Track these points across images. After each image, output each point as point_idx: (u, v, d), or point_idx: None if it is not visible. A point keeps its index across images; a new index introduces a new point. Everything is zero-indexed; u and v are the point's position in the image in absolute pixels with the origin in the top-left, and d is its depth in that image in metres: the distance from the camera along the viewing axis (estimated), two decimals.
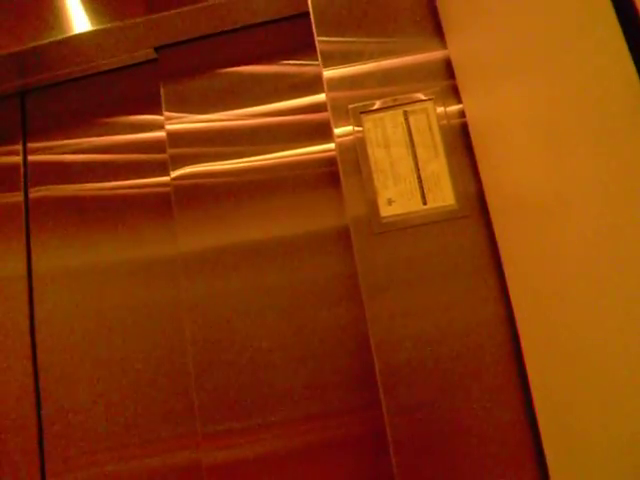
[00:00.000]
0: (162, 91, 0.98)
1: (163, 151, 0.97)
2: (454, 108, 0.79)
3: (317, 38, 0.83)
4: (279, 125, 0.94)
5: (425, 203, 0.76)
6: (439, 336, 0.71)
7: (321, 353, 0.84)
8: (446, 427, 0.69)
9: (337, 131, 0.79)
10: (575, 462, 0.54)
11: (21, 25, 0.95)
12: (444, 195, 0.76)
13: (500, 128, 0.62)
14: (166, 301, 0.92)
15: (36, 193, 1.00)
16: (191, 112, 0.96)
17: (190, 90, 0.97)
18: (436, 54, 0.81)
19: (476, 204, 0.75)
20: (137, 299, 0.93)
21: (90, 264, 0.96)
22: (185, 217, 0.92)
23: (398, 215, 0.76)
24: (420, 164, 0.77)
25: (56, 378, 0.92)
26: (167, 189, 0.96)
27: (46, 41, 0.93)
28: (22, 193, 1.00)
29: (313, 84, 0.94)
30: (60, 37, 0.93)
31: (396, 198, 0.76)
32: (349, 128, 0.79)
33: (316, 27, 0.84)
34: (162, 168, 0.97)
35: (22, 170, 1.02)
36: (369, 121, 0.79)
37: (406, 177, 0.77)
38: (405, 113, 0.79)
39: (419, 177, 0.77)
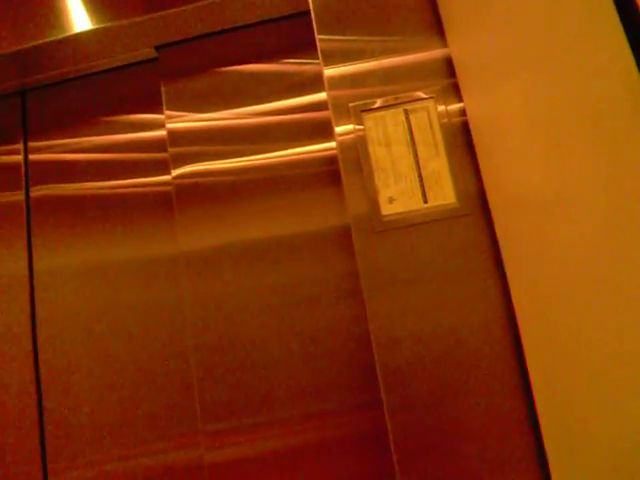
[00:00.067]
0: (163, 90, 0.98)
1: (164, 150, 0.97)
2: (455, 106, 0.79)
3: (318, 36, 0.83)
4: (280, 124, 0.94)
5: (426, 201, 0.76)
6: (440, 335, 0.71)
7: (322, 352, 0.84)
8: (447, 426, 0.69)
9: (338, 129, 0.79)
10: (577, 462, 0.54)
11: (22, 24, 0.95)
12: (445, 193, 0.76)
13: (501, 127, 0.62)
14: (167, 300, 0.92)
15: (37, 192, 1.01)
16: (192, 111, 0.96)
17: (191, 89, 0.97)
18: (437, 52, 0.80)
19: (477, 202, 0.75)
20: (138, 298, 0.93)
21: (91, 263, 0.96)
22: (186, 216, 0.92)
23: (399, 213, 0.76)
24: (421, 162, 0.77)
25: (58, 377, 0.92)
26: (168, 188, 0.96)
27: (47, 40, 0.93)
28: (23, 192, 1.01)
29: (314, 83, 0.94)
30: (61, 36, 0.93)
31: (397, 196, 0.76)
32: (350, 126, 0.79)
33: (317, 25, 0.83)
34: (163, 167, 0.97)
35: (23, 169, 1.02)
36: (370, 119, 0.79)
37: (407, 175, 0.77)
38: (406, 111, 0.79)
39: (420, 175, 0.77)
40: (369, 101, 0.80)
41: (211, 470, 0.83)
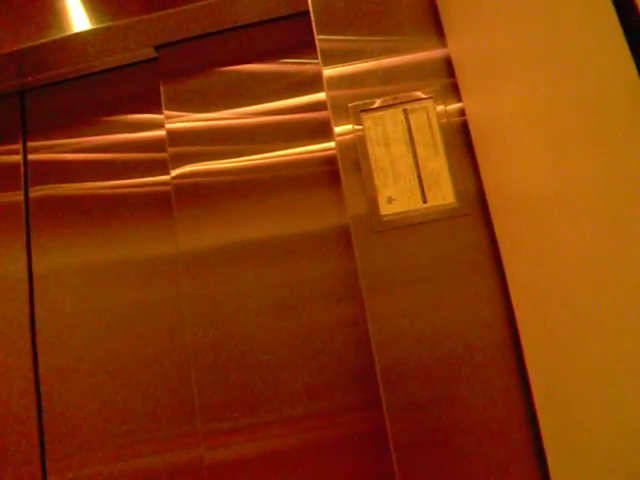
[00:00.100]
0: (162, 90, 0.98)
1: (163, 150, 0.97)
2: (454, 106, 0.79)
3: (317, 36, 0.83)
4: (279, 124, 0.94)
5: (425, 201, 0.76)
6: (439, 334, 0.71)
7: (321, 352, 0.84)
8: (447, 426, 0.69)
9: (337, 129, 0.79)
10: (576, 462, 0.54)
11: (21, 24, 0.95)
12: (444, 193, 0.76)
13: (500, 126, 0.62)
14: (166, 300, 0.92)
15: (36, 192, 1.01)
16: (191, 111, 0.96)
17: (190, 89, 0.97)
18: (436, 52, 0.80)
19: (476, 203, 0.75)
20: (137, 298, 0.93)
21: (90, 263, 0.96)
22: (185, 216, 0.92)
23: (398, 213, 0.76)
24: (420, 162, 0.77)
25: (57, 377, 0.92)
26: (167, 188, 0.96)
27: (46, 40, 0.93)
28: (22, 192, 1.01)
29: (313, 83, 0.94)
30: (60, 36, 0.93)
31: (396, 196, 0.76)
32: (349, 127, 0.79)
33: (316, 25, 0.83)
34: (162, 167, 0.97)
35: (22, 169, 1.02)
36: (369, 119, 0.79)
37: (406, 175, 0.77)
38: (405, 111, 0.79)
39: (419, 175, 0.77)
40: (368, 101, 0.80)
41: (210, 470, 0.83)
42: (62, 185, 1.00)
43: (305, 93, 0.94)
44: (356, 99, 0.80)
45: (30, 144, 1.03)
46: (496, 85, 0.61)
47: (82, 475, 0.88)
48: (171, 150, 0.94)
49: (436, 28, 0.81)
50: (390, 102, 0.79)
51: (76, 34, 0.92)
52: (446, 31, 0.80)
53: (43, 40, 0.93)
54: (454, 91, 0.79)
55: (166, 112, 0.96)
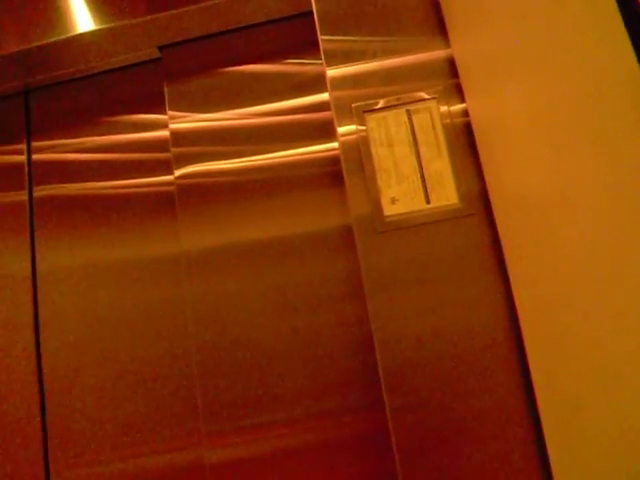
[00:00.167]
0: (166, 90, 0.98)
1: (167, 150, 0.97)
2: (457, 107, 0.79)
3: (320, 37, 0.83)
4: (282, 124, 0.94)
5: (428, 202, 0.76)
6: (442, 335, 0.71)
7: (324, 352, 0.84)
8: (449, 426, 0.69)
9: (340, 130, 0.79)
10: (579, 463, 0.54)
11: (25, 25, 0.95)
12: (447, 194, 0.76)
13: (503, 127, 0.62)
14: (169, 300, 0.92)
15: (40, 192, 1.01)
16: (195, 111, 0.96)
17: (194, 89, 0.97)
18: (439, 53, 0.80)
19: (479, 203, 0.75)
20: (140, 298, 0.93)
21: (94, 263, 0.96)
22: (188, 216, 0.92)
23: (401, 214, 0.76)
24: (423, 163, 0.77)
25: (60, 377, 0.92)
26: (171, 188, 0.96)
27: (50, 40, 0.93)
28: (26, 192, 1.01)
29: (316, 83, 0.94)
30: (64, 36, 0.93)
31: (399, 197, 0.76)
32: (352, 127, 0.79)
33: (319, 26, 0.84)
34: (166, 167, 0.97)
35: (26, 169, 1.02)
36: (372, 120, 0.79)
37: (409, 176, 0.77)
38: (408, 112, 0.79)
39: (422, 176, 0.77)
40: (371, 102, 0.80)
41: (212, 470, 0.83)
42: (66, 185, 1.00)
43: (308, 93, 0.94)
44: (359, 99, 0.80)
45: (34, 144, 1.04)
46: (499, 86, 0.61)
47: (85, 475, 0.88)
48: (175, 150, 0.95)
49: (439, 29, 0.81)
50: (393, 103, 0.79)
51: (80, 34, 0.93)
52: (449, 32, 0.80)
53: (47, 40, 0.93)
54: (457, 92, 0.79)
55: (170, 112, 0.96)
